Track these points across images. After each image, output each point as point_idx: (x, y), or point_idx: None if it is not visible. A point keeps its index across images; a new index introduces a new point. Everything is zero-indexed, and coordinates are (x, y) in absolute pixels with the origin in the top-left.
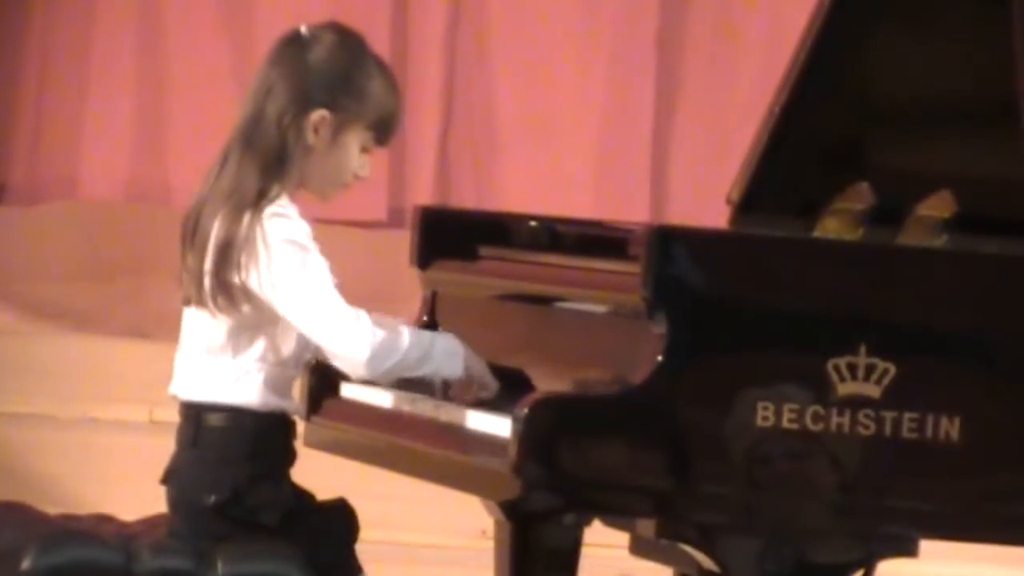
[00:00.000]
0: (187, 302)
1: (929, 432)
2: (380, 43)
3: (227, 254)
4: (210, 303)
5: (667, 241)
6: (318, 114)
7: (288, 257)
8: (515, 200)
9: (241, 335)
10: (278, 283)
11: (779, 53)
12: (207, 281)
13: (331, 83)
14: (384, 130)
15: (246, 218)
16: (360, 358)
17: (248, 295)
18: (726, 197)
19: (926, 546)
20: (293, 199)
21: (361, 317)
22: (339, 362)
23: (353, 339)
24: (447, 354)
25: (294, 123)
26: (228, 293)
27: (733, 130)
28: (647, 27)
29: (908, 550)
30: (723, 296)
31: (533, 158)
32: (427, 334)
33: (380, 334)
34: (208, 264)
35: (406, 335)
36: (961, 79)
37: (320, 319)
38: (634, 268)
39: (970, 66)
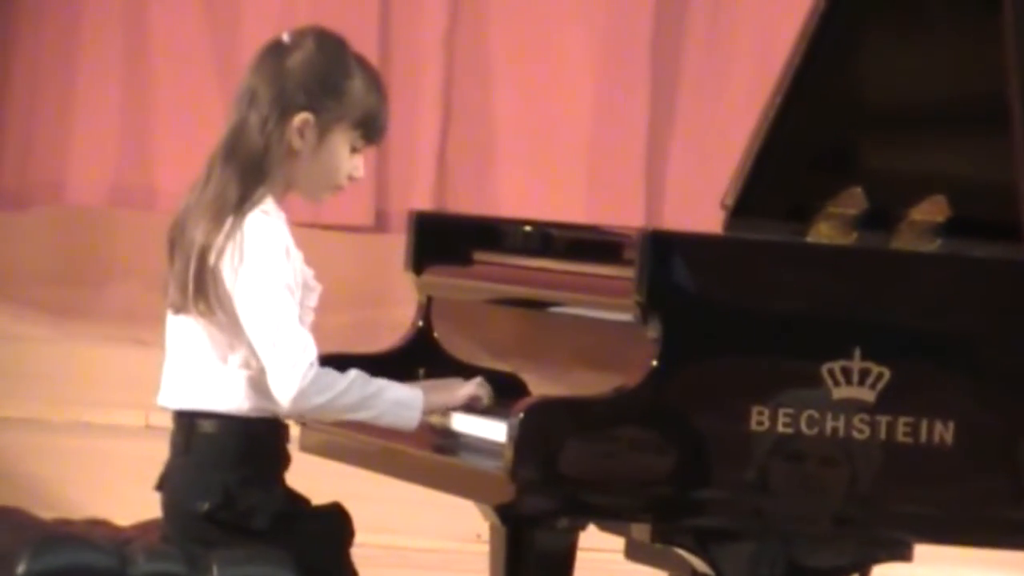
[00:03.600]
0: (174, 309)
1: (923, 436)
2: (370, 50)
3: (207, 257)
4: (192, 308)
5: (661, 245)
6: (301, 117)
7: (256, 266)
8: (512, 205)
9: (223, 342)
10: (241, 289)
11: (772, 58)
12: (190, 285)
13: (311, 85)
14: (371, 128)
15: (228, 222)
16: (290, 387)
17: (221, 298)
18: (720, 201)
19: (919, 550)
20: (281, 203)
21: (307, 348)
22: (271, 385)
23: (286, 367)
24: (396, 404)
25: (277, 129)
26: (207, 296)
27: (727, 135)
28: (642, 33)
29: (902, 554)
30: (717, 300)
31: (529, 163)
32: (378, 382)
33: (318, 370)
34: (192, 268)
35: (349, 378)
36: (953, 83)
37: (265, 335)
38: (628, 272)
39: (962, 70)
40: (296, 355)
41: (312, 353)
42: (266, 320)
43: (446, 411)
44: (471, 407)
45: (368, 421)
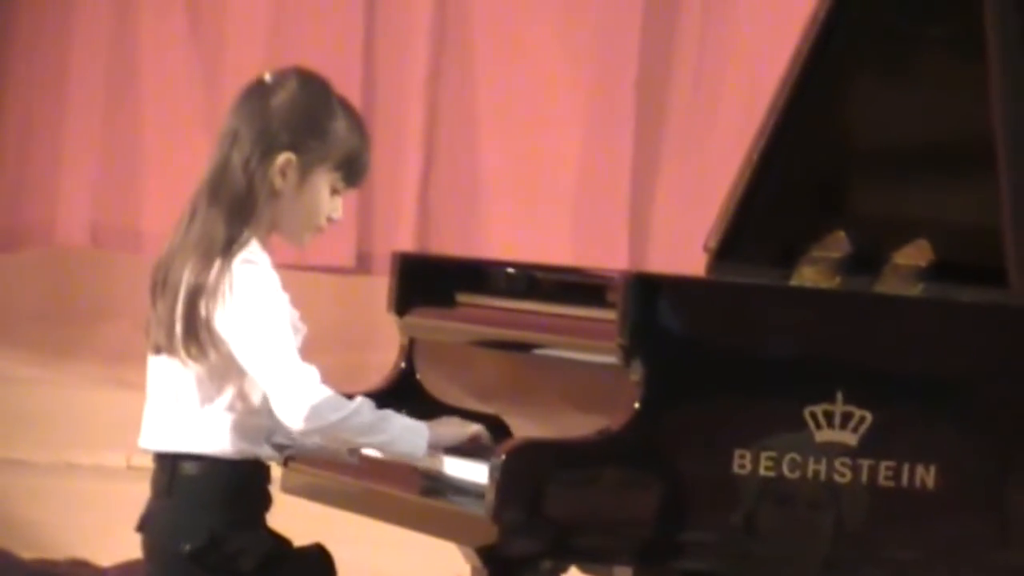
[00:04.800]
0: (156, 351)
1: (905, 480)
2: (353, 91)
3: (197, 300)
4: (181, 351)
5: (644, 288)
6: (283, 157)
7: (251, 304)
8: (495, 248)
9: (210, 384)
10: (238, 328)
11: (758, 102)
12: (178, 328)
13: (294, 126)
14: (352, 170)
15: (216, 265)
16: (300, 407)
17: (216, 341)
18: (703, 244)
19: None
20: (265, 245)
21: (313, 373)
22: (279, 410)
23: (296, 389)
24: (406, 429)
25: (260, 168)
26: (198, 339)
27: (712, 178)
28: (627, 75)
29: None
30: (700, 343)
31: (513, 205)
32: (387, 411)
33: (327, 391)
34: (179, 311)
35: (358, 402)
36: (938, 128)
37: (269, 367)
38: (612, 315)
39: (947, 115)
40: (304, 378)
41: (318, 376)
42: (270, 354)
43: (440, 450)
44: (460, 449)
45: (379, 446)
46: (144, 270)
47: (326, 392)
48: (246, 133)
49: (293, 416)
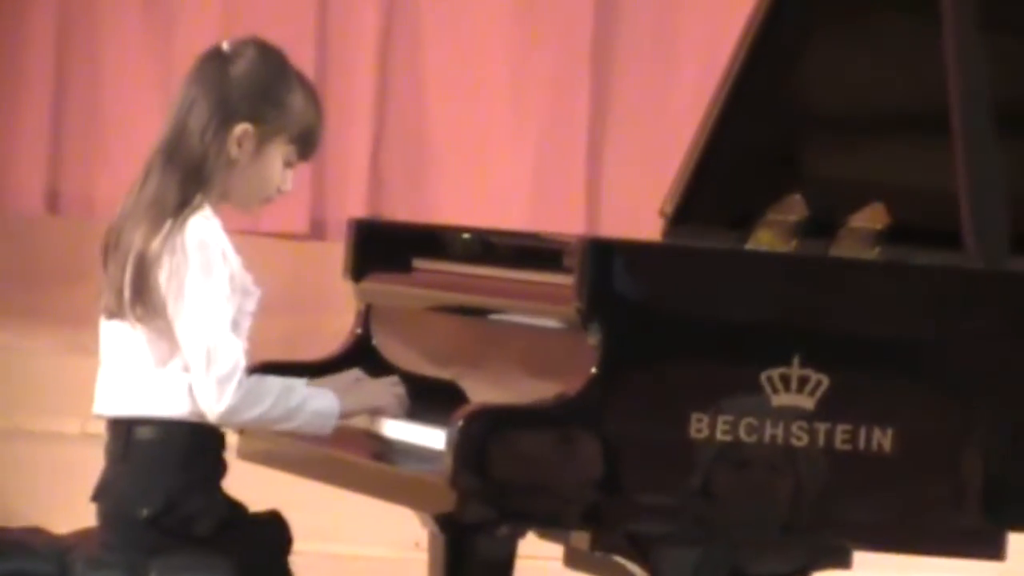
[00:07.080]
0: (108, 314)
1: (862, 443)
2: (305, 57)
3: (145, 262)
4: (129, 312)
5: (601, 253)
6: (241, 127)
7: (192, 275)
8: (449, 214)
9: (162, 347)
10: (176, 296)
11: (713, 66)
12: (127, 291)
13: (253, 96)
14: (307, 144)
15: (166, 227)
16: (221, 402)
17: (160, 304)
18: (659, 209)
19: (859, 556)
20: (217, 211)
21: (239, 362)
22: (197, 396)
23: (221, 381)
24: (316, 415)
25: (216, 137)
26: (145, 301)
27: (668, 143)
28: (582, 39)
29: (841, 561)
30: (657, 308)
31: (467, 172)
32: (300, 392)
33: (248, 383)
34: (128, 273)
35: (275, 392)
36: (894, 92)
37: (198, 347)
38: (569, 280)
39: (903, 79)
40: (228, 370)
41: (242, 365)
42: (200, 331)
43: (373, 414)
44: (382, 412)
45: (288, 432)
46: (98, 235)
47: (247, 386)
48: (204, 101)
49: (211, 408)
